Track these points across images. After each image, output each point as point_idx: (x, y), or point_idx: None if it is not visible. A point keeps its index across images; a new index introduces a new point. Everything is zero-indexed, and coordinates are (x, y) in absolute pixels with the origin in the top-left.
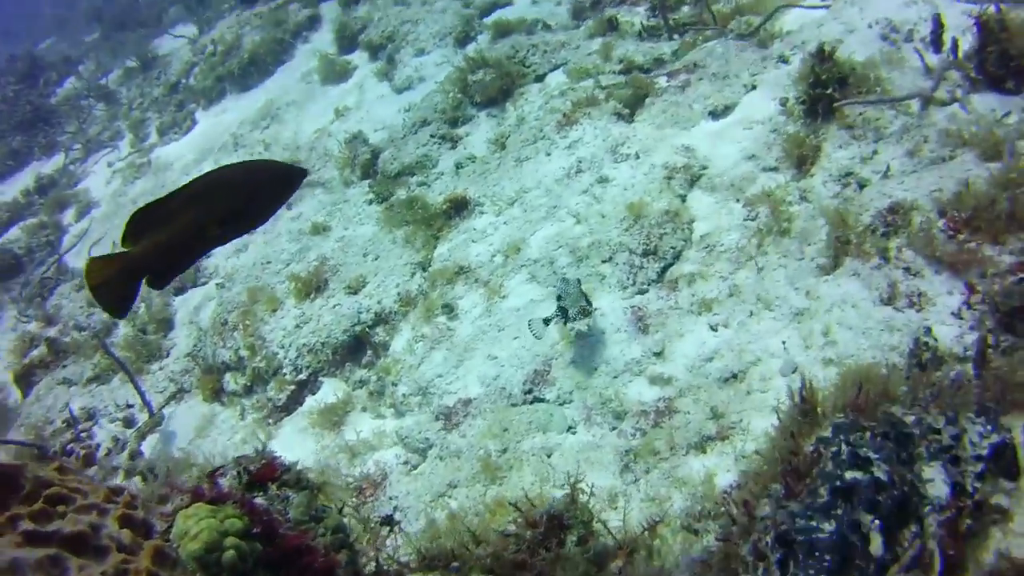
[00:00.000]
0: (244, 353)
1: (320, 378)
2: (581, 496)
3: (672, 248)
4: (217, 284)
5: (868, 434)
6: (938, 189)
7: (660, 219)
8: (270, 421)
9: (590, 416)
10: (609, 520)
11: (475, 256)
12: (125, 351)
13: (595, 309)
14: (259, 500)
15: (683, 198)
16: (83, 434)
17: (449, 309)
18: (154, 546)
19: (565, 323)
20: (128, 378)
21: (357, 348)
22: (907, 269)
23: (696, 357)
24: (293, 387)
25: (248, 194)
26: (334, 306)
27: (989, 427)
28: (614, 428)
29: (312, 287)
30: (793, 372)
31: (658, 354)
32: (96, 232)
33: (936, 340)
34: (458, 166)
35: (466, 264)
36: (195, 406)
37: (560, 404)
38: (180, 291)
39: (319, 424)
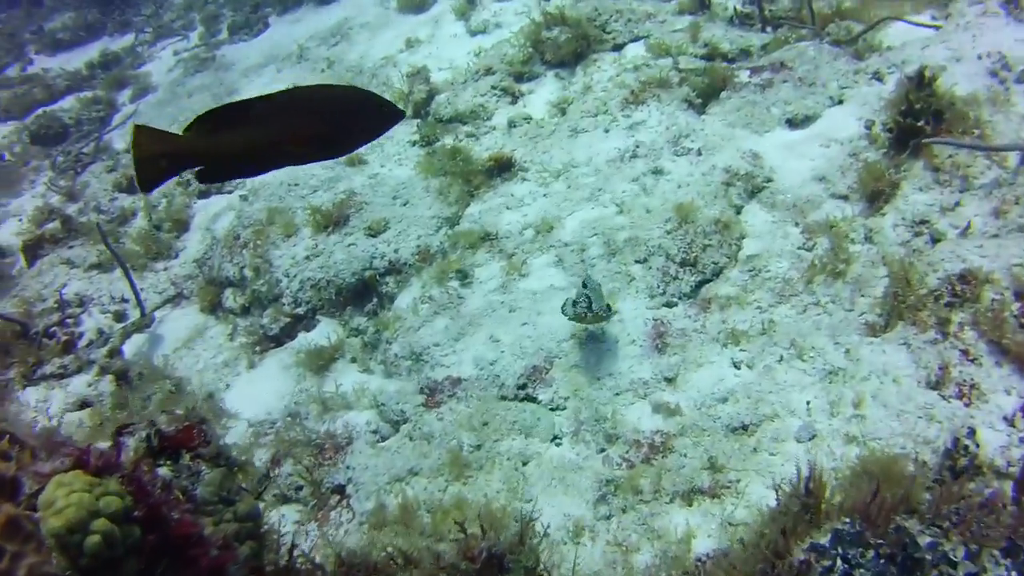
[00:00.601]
0: (248, 273)
1: (318, 316)
2: (532, 538)
3: (714, 263)
4: (241, 196)
5: (872, 553)
6: (1020, 264)
7: (708, 227)
8: (257, 349)
9: (579, 431)
10: (561, 563)
11: (505, 224)
12: (135, 244)
13: (613, 314)
14: (163, 471)
15: (738, 209)
16: (69, 320)
17: (464, 276)
18: (6, 514)
19: (586, 314)
20: (123, 273)
21: (363, 293)
22: (965, 352)
23: (709, 394)
24: (289, 320)
25: (339, 121)
26: (349, 245)
27: (1014, 574)
28: (602, 451)
29: (332, 220)
30: (810, 439)
31: (669, 380)
32: (145, 116)
33: (978, 445)
34: (511, 124)
35: (494, 231)
36: (190, 314)
37: (551, 409)
38: (204, 195)
39: (304, 364)
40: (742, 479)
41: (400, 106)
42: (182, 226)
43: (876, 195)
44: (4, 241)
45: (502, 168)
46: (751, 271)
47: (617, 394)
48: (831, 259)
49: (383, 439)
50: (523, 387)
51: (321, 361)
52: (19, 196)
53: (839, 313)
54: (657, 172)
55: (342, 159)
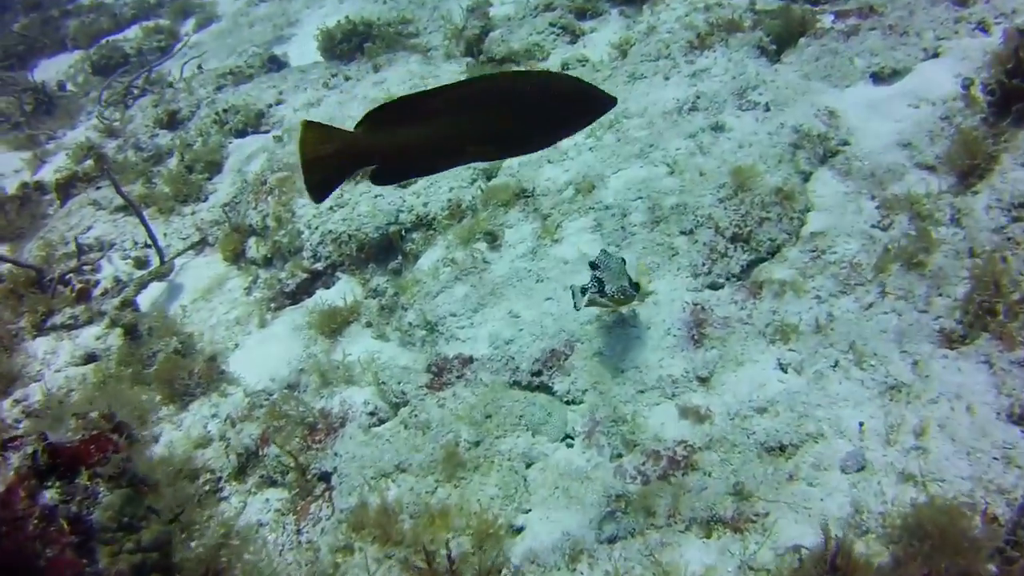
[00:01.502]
0: (271, 223)
1: (338, 273)
2: None
3: (771, 240)
4: (275, 136)
5: None
6: None
7: (768, 197)
8: (272, 305)
9: (593, 432)
10: None
11: (545, 179)
12: (166, 185)
13: (636, 295)
14: (51, 494)
15: (806, 176)
16: (87, 267)
17: (492, 238)
18: None
19: (600, 296)
20: (140, 220)
21: (386, 250)
22: None
23: (746, 401)
24: (307, 276)
25: (533, 116)
26: (376, 196)
27: None
28: (616, 458)
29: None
30: (859, 471)
31: (703, 380)
32: (205, 47)
33: None
34: (564, 66)
35: (531, 186)
36: (212, 263)
37: (566, 402)
38: (241, 134)
39: (317, 326)
40: (771, 512)
41: (452, 43)
42: (215, 167)
43: (969, 169)
44: (49, 177)
45: None
46: (813, 252)
47: (641, 391)
48: (910, 244)
49: (380, 422)
50: (538, 374)
51: (334, 324)
52: (75, 128)
53: (910, 314)
54: (717, 128)
55: (381, 99)
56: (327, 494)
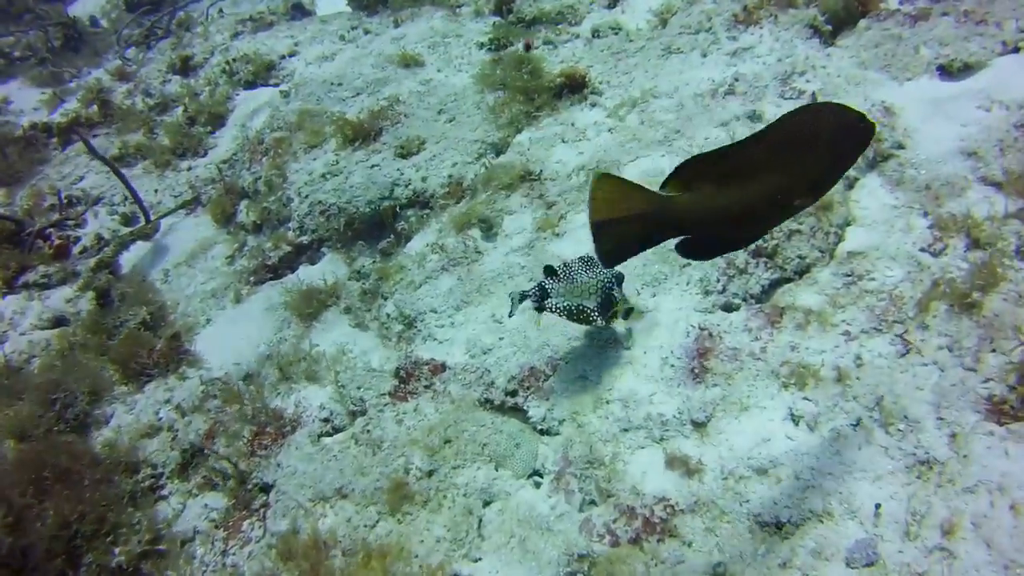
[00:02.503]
0: (262, 187)
1: (324, 248)
2: None
3: (800, 257)
4: (282, 91)
5: None
6: None
7: None
8: (252, 279)
9: (564, 473)
10: None
11: (555, 161)
12: (166, 136)
13: (597, 320)
14: None
15: (850, 183)
16: (70, 222)
17: (488, 226)
18: None
19: (538, 309)
20: (118, 177)
21: (379, 226)
22: None
23: (745, 458)
24: (290, 249)
25: (829, 154)
26: (372, 166)
27: None
28: (586, 506)
29: (362, 133)
30: (868, 566)
31: (698, 425)
32: None
33: None
34: (595, 33)
35: (539, 169)
36: (202, 225)
37: (540, 431)
38: (250, 86)
39: (293, 307)
40: None
41: (483, 0)
42: (218, 120)
43: None
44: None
45: (573, 87)
46: (848, 276)
47: (625, 430)
48: (963, 278)
49: (333, 431)
50: (513, 393)
51: (311, 308)
52: (100, 67)
53: (955, 370)
54: (754, 118)
55: (396, 58)
56: (262, 511)
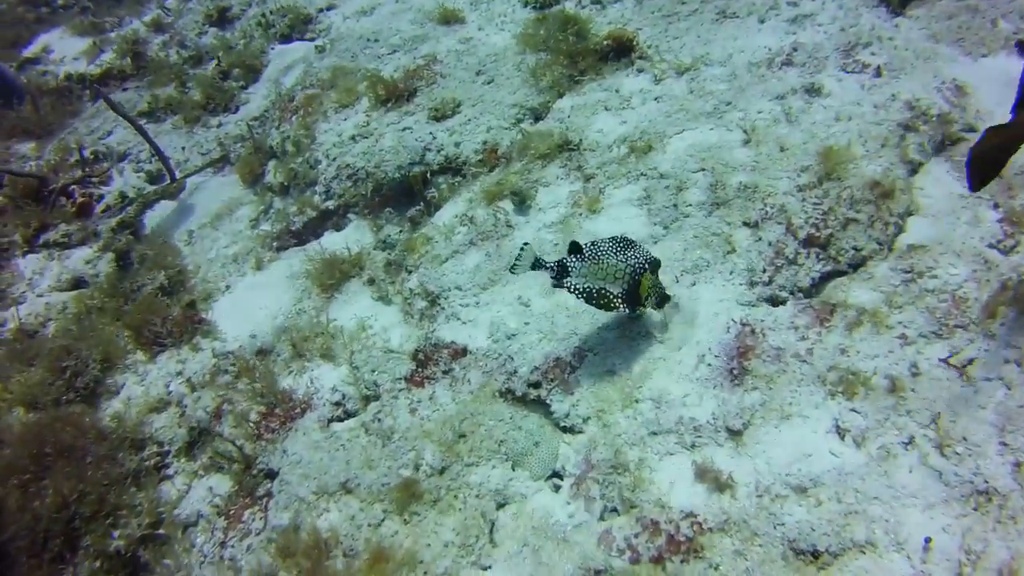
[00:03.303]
0: (289, 147)
1: (350, 215)
2: None
3: (855, 249)
4: (317, 46)
5: None
6: None
7: (861, 192)
8: (276, 244)
9: (585, 478)
10: None
11: (596, 131)
12: (198, 90)
13: (626, 310)
14: None
15: (914, 168)
16: (94, 178)
17: (520, 199)
18: None
19: (555, 286)
20: (143, 136)
21: (408, 193)
22: None
23: (783, 474)
24: (316, 215)
25: None
26: (404, 128)
27: None
28: (607, 516)
29: (395, 93)
30: None
31: (734, 433)
32: None
33: None
34: None
35: (579, 138)
36: (229, 185)
37: (562, 428)
38: (286, 39)
39: (315, 277)
40: None
41: None
42: (252, 75)
43: None
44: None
45: (619, 51)
46: (907, 272)
47: (654, 433)
48: None
49: (346, 415)
50: (536, 385)
51: (332, 278)
52: (143, 16)
53: (1021, 390)
54: (813, 91)
55: (435, 14)
56: (265, 500)
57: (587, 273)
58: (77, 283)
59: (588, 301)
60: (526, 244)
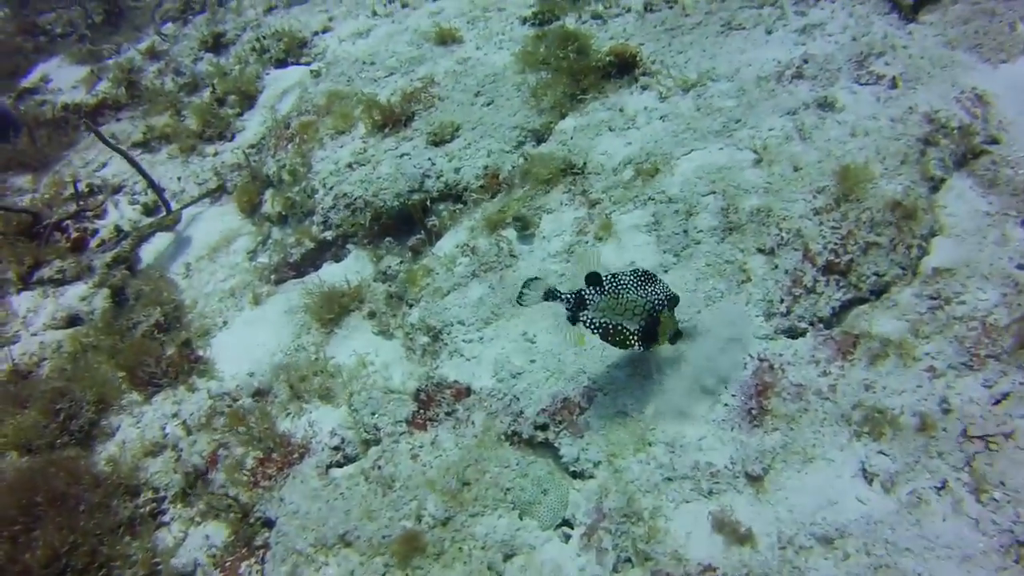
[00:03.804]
0: (286, 176)
1: (349, 245)
2: None
3: (877, 275)
4: (312, 70)
5: None
6: None
7: (881, 213)
8: (273, 277)
9: (597, 528)
10: None
11: (600, 153)
12: (193, 116)
13: (647, 346)
14: None
15: (935, 185)
16: (88, 212)
17: (523, 226)
18: None
19: (571, 320)
20: (135, 167)
21: (408, 221)
22: None
23: (807, 524)
24: (314, 246)
25: None
26: (402, 155)
27: None
28: (618, 570)
29: (392, 118)
30: None
31: (754, 479)
32: None
33: None
34: (648, 7)
35: (582, 161)
36: (226, 215)
37: (572, 474)
38: (281, 64)
39: (313, 311)
40: None
41: None
42: (248, 101)
43: None
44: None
45: (622, 68)
46: (934, 298)
47: (669, 479)
48: None
49: (346, 459)
50: (544, 427)
51: (331, 312)
52: (139, 43)
53: None
54: (826, 106)
55: (432, 34)
56: (262, 552)
57: (605, 307)
58: (72, 320)
59: (603, 337)
60: (536, 279)
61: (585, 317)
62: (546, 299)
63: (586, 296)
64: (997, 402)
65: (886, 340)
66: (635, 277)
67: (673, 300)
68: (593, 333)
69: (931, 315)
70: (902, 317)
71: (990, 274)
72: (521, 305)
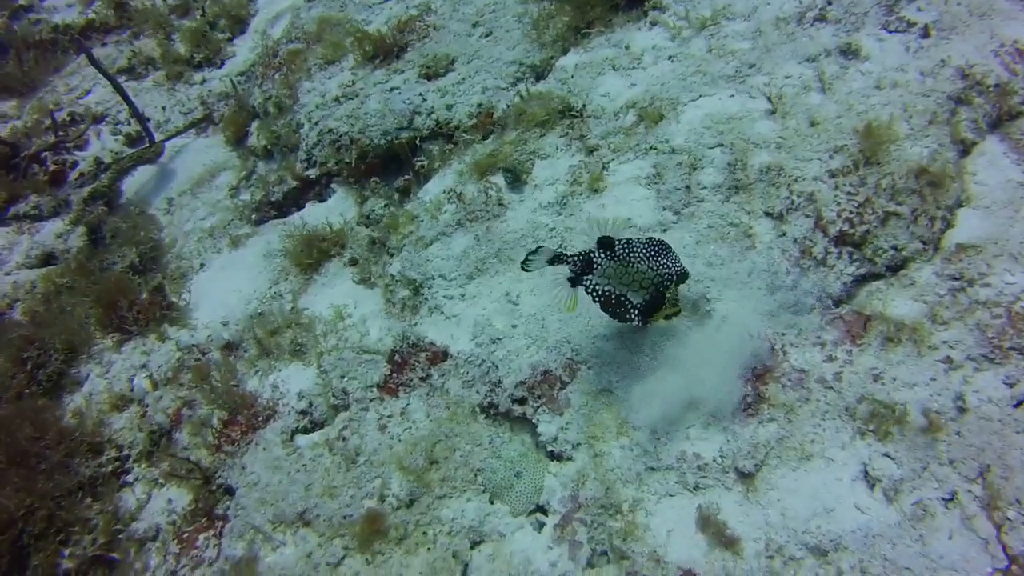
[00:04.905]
0: (271, 109)
1: (333, 184)
2: None
3: (895, 248)
4: None
5: None
6: None
7: (904, 180)
8: (253, 217)
9: (571, 519)
10: None
11: (602, 94)
12: (183, 41)
13: (645, 321)
14: None
15: (965, 149)
16: (68, 143)
17: (514, 176)
18: None
19: (572, 282)
20: (120, 95)
21: (395, 161)
22: None
23: (800, 531)
24: (296, 184)
25: None
26: (392, 88)
27: None
28: (593, 564)
29: (384, 48)
30: None
31: (744, 476)
32: None
33: None
34: None
35: (582, 103)
36: (212, 147)
37: (549, 454)
38: None
39: (292, 255)
40: None
41: None
42: (239, 25)
43: None
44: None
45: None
46: (955, 279)
47: (652, 470)
48: None
49: (310, 427)
50: (521, 401)
51: (311, 257)
52: None
53: None
54: (849, 54)
55: None
56: (220, 525)
57: (612, 275)
58: (48, 259)
59: (604, 307)
60: (539, 248)
61: (589, 282)
62: (551, 263)
63: (595, 260)
64: (1018, 404)
65: (900, 324)
66: (650, 247)
67: (683, 276)
68: (594, 300)
69: (951, 298)
70: (919, 298)
71: (1020, 254)
72: (525, 271)
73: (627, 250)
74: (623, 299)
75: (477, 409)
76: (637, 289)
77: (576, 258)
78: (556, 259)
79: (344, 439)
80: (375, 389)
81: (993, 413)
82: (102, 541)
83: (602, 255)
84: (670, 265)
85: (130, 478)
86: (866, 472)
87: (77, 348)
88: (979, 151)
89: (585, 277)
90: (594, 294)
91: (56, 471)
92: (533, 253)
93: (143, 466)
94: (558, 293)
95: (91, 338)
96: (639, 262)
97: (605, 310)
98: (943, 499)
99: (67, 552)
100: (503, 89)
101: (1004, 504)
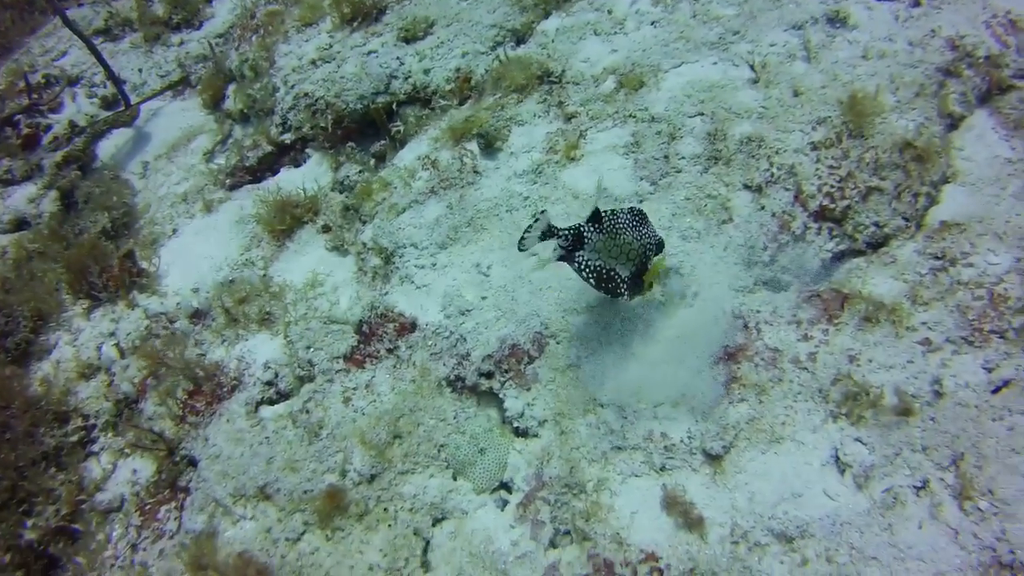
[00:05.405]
0: (247, 72)
1: (309, 149)
2: None
3: (876, 225)
4: None
5: None
6: None
7: (888, 155)
8: (227, 182)
9: (535, 497)
10: None
11: (582, 60)
12: (161, 2)
13: (622, 294)
14: None
15: (953, 123)
16: (42, 106)
17: (488, 141)
18: None
19: (563, 259)
20: (95, 56)
21: (372, 125)
22: None
23: (765, 517)
24: (272, 149)
25: None
26: (369, 52)
27: None
28: (556, 544)
29: (363, 10)
30: None
31: (713, 458)
32: None
33: None
34: None
35: (561, 68)
36: (189, 111)
37: (515, 430)
38: None
39: (265, 221)
40: None
41: None
42: None
43: None
44: None
45: None
46: (937, 257)
47: (619, 448)
48: None
49: (276, 398)
50: (488, 375)
51: (284, 224)
52: None
53: None
54: (836, 21)
55: None
56: (182, 498)
57: (601, 248)
58: (20, 224)
59: (597, 284)
60: (543, 211)
61: (581, 259)
62: (543, 239)
63: (585, 233)
64: (996, 390)
65: (879, 303)
66: (631, 216)
67: (660, 245)
68: (586, 279)
69: (932, 277)
70: (900, 276)
71: (1005, 233)
72: (521, 250)
73: (612, 220)
74: (613, 274)
75: (443, 383)
76: (624, 261)
77: (568, 232)
78: (547, 233)
79: (308, 411)
80: (341, 360)
81: (970, 399)
82: (65, 512)
83: (592, 228)
84: (649, 234)
85: (96, 448)
86: (837, 457)
87: (46, 315)
88: (967, 125)
89: (577, 253)
90: (586, 271)
91: (21, 441)
92: (530, 227)
93: (109, 436)
94: (537, 259)
95: (61, 305)
96: (624, 232)
97: (595, 286)
98: (914, 487)
99: (29, 523)
100: (482, 53)
101: (976, 494)
